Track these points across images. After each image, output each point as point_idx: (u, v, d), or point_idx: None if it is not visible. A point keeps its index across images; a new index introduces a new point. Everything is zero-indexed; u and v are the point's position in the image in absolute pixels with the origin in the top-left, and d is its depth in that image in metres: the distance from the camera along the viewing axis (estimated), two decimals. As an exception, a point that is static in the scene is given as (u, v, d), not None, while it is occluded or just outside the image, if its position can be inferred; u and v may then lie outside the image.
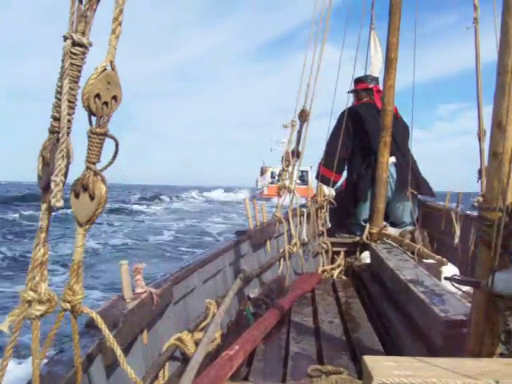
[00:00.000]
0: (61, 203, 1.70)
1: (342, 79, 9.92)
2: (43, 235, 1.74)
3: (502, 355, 2.70)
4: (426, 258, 6.69)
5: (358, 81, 9.97)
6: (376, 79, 9.98)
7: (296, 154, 7.23)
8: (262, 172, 66.34)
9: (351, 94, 9.98)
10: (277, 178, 7.46)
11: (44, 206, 1.74)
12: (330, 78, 9.56)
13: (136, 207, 52.85)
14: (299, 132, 7.26)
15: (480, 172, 4.84)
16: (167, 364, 3.56)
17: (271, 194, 45.62)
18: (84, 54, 1.71)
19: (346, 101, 9.79)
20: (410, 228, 8.65)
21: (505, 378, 1.79)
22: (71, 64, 1.68)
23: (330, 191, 9.59)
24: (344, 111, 9.54)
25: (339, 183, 10.11)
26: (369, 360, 1.94)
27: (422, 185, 9.37)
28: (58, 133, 1.70)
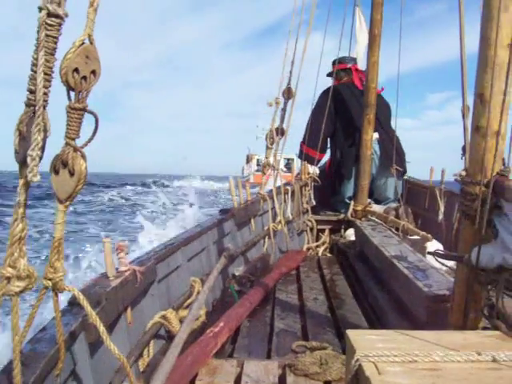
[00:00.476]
0: (37, 178, 1.68)
1: (329, 58, 9.93)
2: (21, 210, 1.71)
3: (484, 329, 2.71)
4: (410, 235, 6.71)
5: (336, 62, 9.95)
6: (354, 59, 9.98)
7: (280, 131, 7.20)
8: (248, 160, 65.88)
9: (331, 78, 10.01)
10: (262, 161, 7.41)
11: (21, 181, 1.71)
12: (316, 59, 9.56)
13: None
14: (283, 110, 7.22)
15: (464, 148, 4.83)
16: (152, 342, 3.55)
17: (258, 181, 45.27)
18: (60, 25, 1.67)
19: (331, 81, 9.79)
20: (394, 205, 8.67)
21: (486, 349, 1.80)
22: (46, 35, 1.64)
23: (314, 169, 9.58)
24: (326, 90, 9.52)
25: (323, 161, 10.11)
26: (352, 334, 1.94)
27: (404, 161, 9.38)
28: (35, 106, 1.68)
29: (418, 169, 10.40)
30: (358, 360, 1.69)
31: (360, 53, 10.06)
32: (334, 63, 9.97)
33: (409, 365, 1.66)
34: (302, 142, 9.69)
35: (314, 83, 9.71)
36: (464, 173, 2.82)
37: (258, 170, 57.27)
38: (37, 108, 1.67)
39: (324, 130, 9.15)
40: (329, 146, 9.84)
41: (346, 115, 9.34)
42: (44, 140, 1.70)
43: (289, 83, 7.11)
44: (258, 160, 61.18)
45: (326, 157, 10.04)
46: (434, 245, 5.96)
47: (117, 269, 3.20)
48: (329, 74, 10.04)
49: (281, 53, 6.99)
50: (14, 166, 1.75)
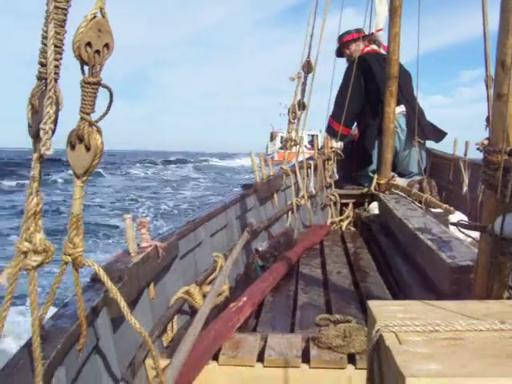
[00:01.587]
0: (50, 151, 1.67)
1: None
2: (35, 184, 1.71)
3: (509, 299, 2.68)
4: (433, 208, 6.67)
5: (342, 36, 9.77)
6: (359, 30, 9.79)
7: (302, 105, 7.17)
8: (272, 137, 65.48)
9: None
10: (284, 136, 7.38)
11: (35, 155, 1.70)
12: (332, 35, 9.49)
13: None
14: (304, 84, 7.18)
15: (488, 119, 4.76)
16: (175, 317, 3.57)
17: (282, 159, 45.11)
18: (69, -4, 1.66)
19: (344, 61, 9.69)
20: (417, 178, 8.62)
21: (510, 318, 1.78)
22: (56, 7, 1.62)
23: (338, 144, 9.54)
24: (353, 61, 9.37)
25: (349, 136, 10.01)
26: (373, 304, 1.92)
27: (429, 132, 9.26)
28: (46, 79, 1.67)
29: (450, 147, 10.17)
30: (378, 330, 1.68)
31: (380, 24, 9.93)
32: (340, 37, 9.78)
33: (430, 334, 1.64)
34: (331, 116, 9.60)
35: (334, 60, 9.63)
36: (486, 142, 2.78)
37: (281, 148, 57.11)
38: (48, 81, 1.66)
39: (351, 105, 9.03)
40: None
41: (373, 86, 9.21)
42: (56, 113, 1.69)
43: (308, 56, 7.06)
44: (281, 137, 60.99)
45: (352, 131, 9.94)
46: (457, 217, 5.92)
47: (138, 245, 3.20)
48: (338, 55, 9.87)
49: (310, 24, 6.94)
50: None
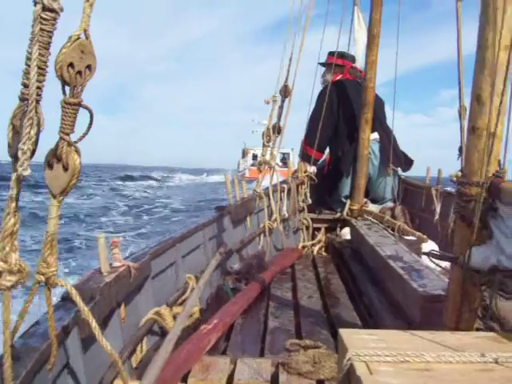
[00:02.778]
0: (28, 172, 1.67)
1: (324, 56, 9.89)
2: (13, 204, 1.71)
3: (478, 330, 2.71)
4: (406, 235, 6.71)
5: (340, 56, 9.82)
6: (352, 57, 9.87)
7: (277, 129, 7.19)
8: (244, 154, 65.56)
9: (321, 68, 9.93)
10: (258, 159, 7.40)
11: (14, 175, 1.70)
12: (315, 56, 9.53)
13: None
14: (281, 108, 7.21)
15: (460, 149, 4.81)
16: (145, 338, 3.55)
17: (253, 176, 45.14)
18: (55, 19, 1.67)
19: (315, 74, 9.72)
20: (390, 204, 8.67)
21: (479, 350, 1.79)
22: (41, 29, 1.63)
23: (311, 168, 9.56)
24: (327, 85, 9.42)
25: (321, 160, 10.06)
26: (344, 333, 1.94)
27: (401, 160, 9.34)
28: (28, 100, 1.67)
29: (433, 166, 10.16)
30: (349, 359, 1.69)
31: (359, 52, 10.03)
32: (331, 54, 9.82)
33: (401, 365, 1.66)
34: (304, 140, 9.61)
35: (313, 80, 9.68)
36: (460, 174, 2.82)
37: (253, 165, 57.10)
38: (29, 102, 1.66)
39: (323, 130, 9.06)
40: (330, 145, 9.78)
41: (349, 112, 9.25)
42: (37, 134, 1.70)
43: (286, 81, 7.10)
44: (253, 154, 60.99)
45: (326, 155, 9.99)
46: (429, 245, 5.96)
47: (111, 264, 3.20)
48: (322, 64, 9.87)
49: (288, 47, 6.98)
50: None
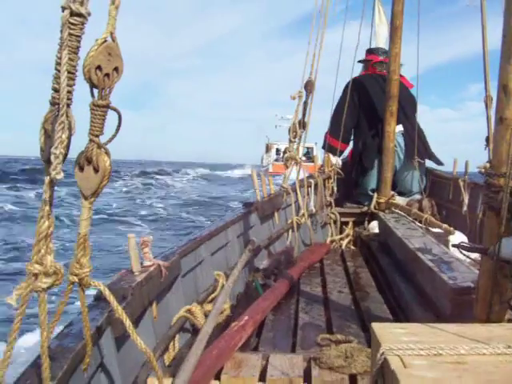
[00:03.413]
0: (61, 175, 1.69)
1: (349, 50, 9.92)
2: (47, 208, 1.73)
3: (510, 322, 2.70)
4: (433, 227, 6.68)
5: (369, 52, 9.96)
6: (386, 52, 9.90)
7: (302, 124, 7.19)
8: (267, 149, 65.47)
9: (360, 64, 10.04)
10: (282, 154, 7.44)
11: (47, 179, 1.73)
12: (347, 50, 9.58)
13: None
14: (305, 103, 7.21)
15: (487, 139, 4.79)
16: (177, 336, 3.58)
17: (276, 171, 45.13)
18: (83, 24, 1.69)
19: (351, 72, 9.78)
20: (417, 197, 8.64)
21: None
22: (70, 34, 1.66)
23: (336, 161, 9.57)
24: (349, 82, 9.54)
25: (346, 153, 10.09)
26: (377, 327, 1.94)
27: (430, 153, 9.35)
28: (59, 104, 1.69)
29: (460, 160, 10.12)
30: (383, 353, 1.69)
31: (380, 45, 10.04)
32: (367, 52, 9.98)
33: (434, 358, 1.66)
34: (327, 133, 9.69)
35: (341, 75, 9.73)
36: (488, 165, 2.80)
37: (276, 160, 57.08)
38: (60, 106, 1.68)
39: (346, 121, 9.17)
40: (352, 137, 9.84)
41: (370, 106, 9.32)
42: (69, 138, 1.72)
43: (309, 76, 7.10)
44: (277, 149, 60.94)
45: (349, 148, 10.04)
46: (457, 237, 5.94)
47: (142, 264, 3.22)
48: (361, 61, 10.06)
49: (312, 43, 6.99)
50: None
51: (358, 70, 10.08)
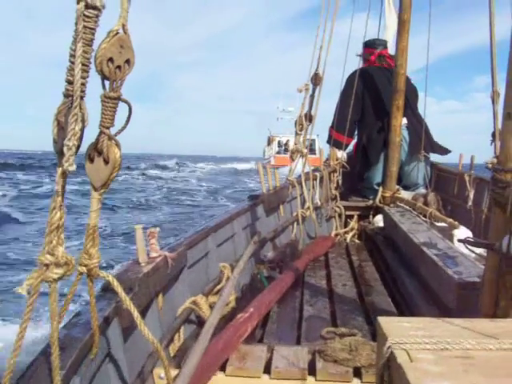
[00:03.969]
0: (73, 167, 1.70)
1: (357, 43, 9.91)
2: (59, 199, 1.74)
3: (516, 317, 2.70)
4: (438, 222, 6.68)
5: (365, 45, 9.91)
6: (384, 43, 9.85)
7: (308, 117, 7.19)
8: (269, 142, 65.36)
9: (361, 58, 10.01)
10: (284, 147, 7.44)
11: (59, 171, 1.74)
12: (345, 42, 9.53)
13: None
14: (312, 96, 7.21)
15: (493, 134, 4.78)
16: (182, 327, 3.59)
17: (278, 163, 45.15)
18: (97, 16, 1.69)
19: (358, 65, 9.76)
20: (422, 191, 8.63)
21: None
22: (84, 27, 1.66)
23: (342, 155, 9.56)
24: (353, 73, 9.48)
25: (350, 146, 10.07)
26: (383, 321, 1.94)
27: (434, 146, 9.33)
28: (73, 96, 1.70)
29: (466, 152, 10.09)
30: (389, 347, 1.70)
31: (389, 38, 9.99)
32: (365, 45, 9.91)
33: (441, 352, 1.67)
34: (331, 127, 9.66)
35: (343, 68, 9.69)
36: (495, 160, 2.81)
37: (278, 152, 57.12)
38: (74, 98, 1.69)
39: (351, 114, 9.13)
40: (356, 131, 9.82)
41: (376, 99, 9.28)
42: (82, 130, 1.73)
43: (317, 69, 7.09)
44: (278, 142, 60.93)
45: (354, 141, 10.02)
46: (462, 231, 5.94)
47: (148, 255, 3.23)
48: (360, 55, 10.01)
49: (319, 35, 6.97)
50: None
51: (361, 63, 10.05)
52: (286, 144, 57.02)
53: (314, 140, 47.66)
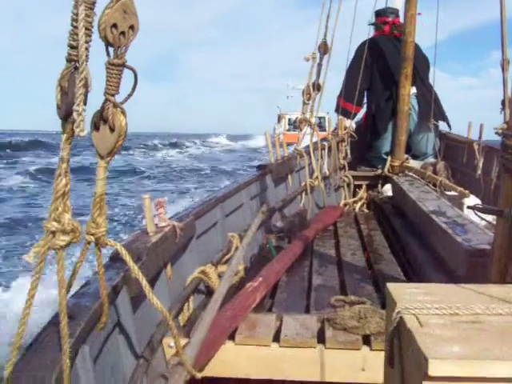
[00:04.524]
0: (84, 133, 1.69)
1: (366, 10, 9.82)
2: (64, 165, 1.73)
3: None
4: (448, 190, 6.66)
5: (377, 14, 9.79)
6: (395, 12, 9.74)
7: (316, 86, 7.15)
8: (279, 119, 65.15)
9: (372, 27, 9.88)
10: (293, 124, 7.42)
11: (64, 136, 1.72)
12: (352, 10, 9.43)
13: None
14: (319, 65, 7.16)
15: (503, 102, 4.74)
16: (191, 297, 3.60)
17: (288, 140, 45.15)
18: (98, -23, 1.67)
19: (368, 35, 9.66)
20: (431, 160, 8.60)
21: (529, 302, 1.78)
22: (86, -12, 1.64)
23: (350, 124, 9.51)
24: (363, 43, 9.40)
25: (359, 116, 10.03)
26: (392, 287, 1.94)
27: (443, 114, 9.27)
28: (76, 61, 1.68)
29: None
30: (399, 313, 1.69)
31: (397, 6, 9.88)
32: (375, 15, 9.80)
33: (450, 317, 1.66)
34: (339, 96, 9.61)
35: (351, 38, 9.61)
36: (505, 126, 2.78)
37: (288, 130, 57.02)
38: (79, 63, 1.67)
39: (360, 83, 9.07)
40: (365, 100, 9.76)
41: (384, 68, 9.22)
42: (86, 95, 1.71)
43: (324, 38, 7.03)
44: (289, 119, 60.76)
45: (363, 111, 9.97)
46: (471, 200, 5.92)
47: (156, 225, 3.22)
48: (371, 23, 9.90)
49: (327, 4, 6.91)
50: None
51: (372, 33, 9.94)
52: (296, 122, 56.95)
53: (323, 118, 47.49)
